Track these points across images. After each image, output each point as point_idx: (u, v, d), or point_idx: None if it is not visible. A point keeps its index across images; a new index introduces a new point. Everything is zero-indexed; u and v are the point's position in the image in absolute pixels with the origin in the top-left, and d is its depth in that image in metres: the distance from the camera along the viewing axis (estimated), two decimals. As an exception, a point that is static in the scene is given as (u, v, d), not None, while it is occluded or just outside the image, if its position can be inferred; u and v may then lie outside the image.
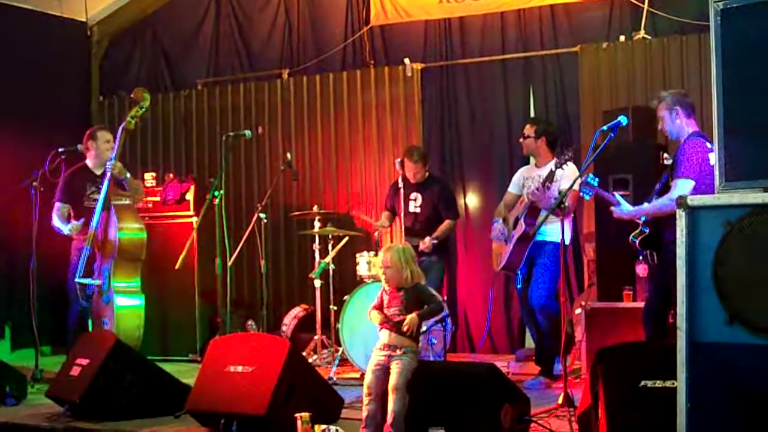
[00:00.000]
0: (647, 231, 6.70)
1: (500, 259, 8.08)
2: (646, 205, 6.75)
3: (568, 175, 7.76)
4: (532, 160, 8.46)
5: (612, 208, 6.81)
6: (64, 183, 8.73)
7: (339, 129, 10.92)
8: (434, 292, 6.60)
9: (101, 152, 8.70)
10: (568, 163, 7.72)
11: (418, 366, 5.97)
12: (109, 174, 8.37)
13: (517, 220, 7.95)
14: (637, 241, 6.76)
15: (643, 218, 6.74)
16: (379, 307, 6.19)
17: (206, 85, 11.81)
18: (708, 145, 6.50)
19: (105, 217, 8.33)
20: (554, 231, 7.59)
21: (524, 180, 8.22)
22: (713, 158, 6.46)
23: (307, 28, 11.34)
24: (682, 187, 6.38)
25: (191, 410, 6.37)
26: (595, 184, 6.80)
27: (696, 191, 6.35)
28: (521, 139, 8.26)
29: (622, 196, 6.89)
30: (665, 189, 6.67)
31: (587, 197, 7.05)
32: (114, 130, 8.58)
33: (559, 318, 7.49)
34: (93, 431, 6.54)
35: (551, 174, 7.60)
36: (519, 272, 8.04)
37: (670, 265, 6.52)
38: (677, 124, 6.68)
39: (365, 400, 5.98)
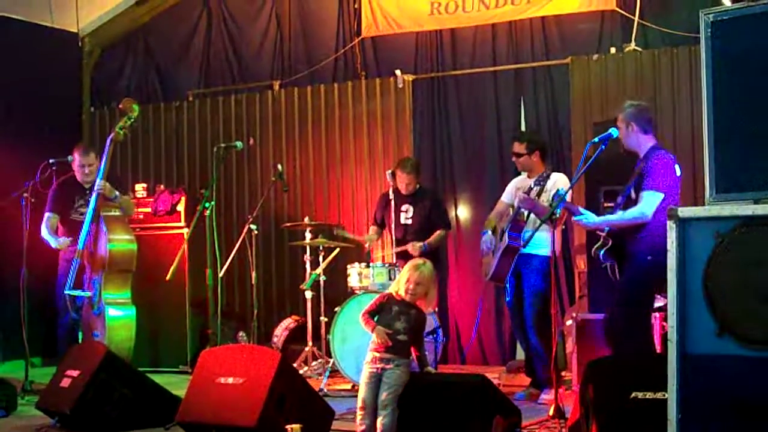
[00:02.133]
0: (610, 242, 6.72)
1: (488, 269, 8.06)
2: (612, 215, 6.77)
3: (559, 186, 7.77)
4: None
5: (574, 218, 6.82)
6: (54, 193, 8.74)
7: (330, 140, 10.93)
8: (424, 327, 6.54)
9: (80, 175, 8.72)
10: (552, 174, 7.75)
11: (409, 378, 5.97)
12: (97, 192, 8.34)
13: (503, 232, 7.93)
14: (601, 253, 6.78)
15: (606, 229, 6.75)
16: (373, 314, 6.18)
17: (197, 96, 11.81)
18: (671, 156, 6.60)
19: (95, 229, 8.31)
20: (541, 243, 7.55)
21: (516, 191, 8.16)
22: (678, 170, 6.56)
23: (298, 40, 11.35)
24: (651, 199, 6.45)
25: (181, 422, 6.35)
26: (565, 196, 6.82)
27: (663, 203, 6.44)
28: (513, 158, 8.11)
29: (612, 207, 6.90)
30: (629, 201, 6.71)
31: (558, 211, 7.06)
32: (105, 142, 8.55)
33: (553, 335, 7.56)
34: (83, 443, 6.55)
35: (538, 189, 7.64)
36: (507, 285, 8.01)
37: (633, 277, 6.61)
38: (632, 138, 6.72)
39: (360, 413, 5.95)
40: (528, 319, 7.83)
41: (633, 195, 6.67)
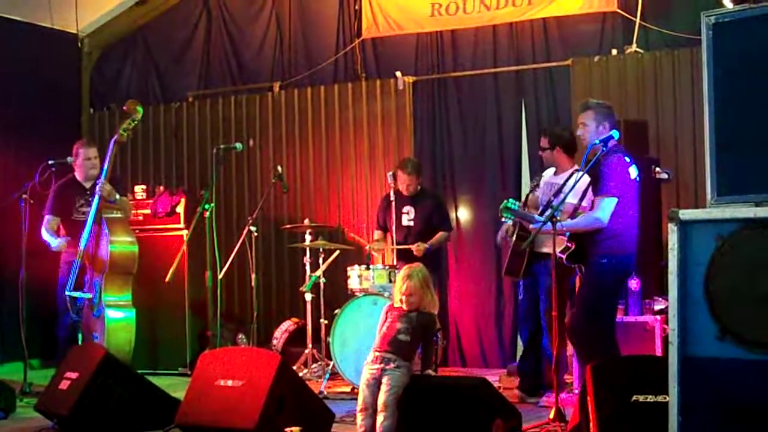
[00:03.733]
0: (572, 246, 6.73)
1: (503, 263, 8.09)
2: (568, 221, 6.78)
3: (575, 188, 7.77)
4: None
5: (529, 226, 6.81)
6: (53, 195, 8.72)
7: (330, 142, 10.91)
8: (436, 324, 6.57)
9: (85, 169, 8.71)
10: (577, 172, 7.75)
11: (409, 381, 5.96)
12: (98, 194, 8.33)
13: (514, 232, 7.90)
14: (564, 257, 6.78)
15: (567, 234, 6.76)
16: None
17: (197, 97, 11.80)
18: (626, 159, 6.64)
19: (96, 231, 8.30)
20: (551, 243, 7.46)
21: (543, 186, 8.10)
22: (633, 172, 6.57)
23: (298, 41, 11.33)
24: (606, 205, 6.51)
25: (181, 424, 6.33)
26: (516, 207, 6.80)
27: (617, 206, 6.51)
28: (540, 152, 8.11)
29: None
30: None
31: (509, 221, 7.03)
32: (105, 142, 8.54)
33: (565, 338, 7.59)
34: (82, 445, 6.52)
35: (558, 189, 7.66)
36: (521, 284, 8.01)
37: (591, 281, 6.63)
38: (600, 137, 6.71)
39: (360, 415, 5.96)
40: (543, 320, 7.82)
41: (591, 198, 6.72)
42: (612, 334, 6.80)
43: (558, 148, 7.99)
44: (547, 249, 7.64)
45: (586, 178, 7.77)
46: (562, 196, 7.41)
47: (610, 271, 6.62)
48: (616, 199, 6.51)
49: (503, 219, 7.06)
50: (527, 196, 8.05)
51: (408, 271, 6.33)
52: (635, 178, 6.67)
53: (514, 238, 7.81)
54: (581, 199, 6.94)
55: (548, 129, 8.61)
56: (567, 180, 7.62)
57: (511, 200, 7.00)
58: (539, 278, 7.87)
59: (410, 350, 6.09)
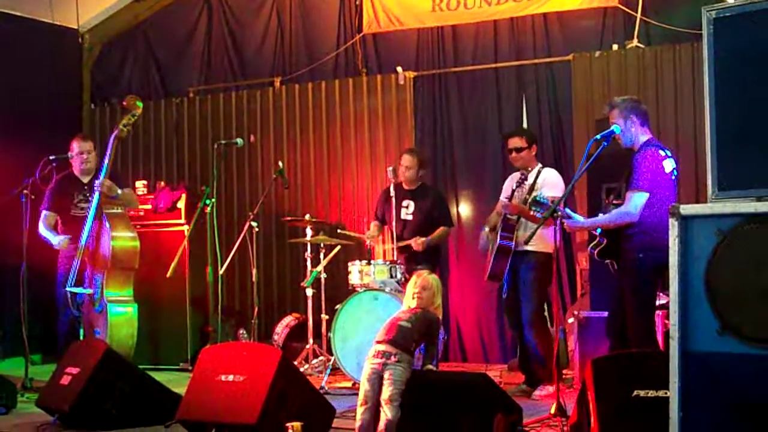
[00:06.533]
0: (605, 242, 6.71)
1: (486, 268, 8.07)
2: (600, 216, 6.77)
3: (549, 183, 7.77)
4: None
5: (564, 221, 6.79)
6: (51, 191, 8.70)
7: (331, 137, 10.92)
8: (440, 325, 6.61)
9: (79, 163, 8.69)
10: (544, 170, 7.77)
11: (411, 375, 5.96)
12: (98, 190, 8.31)
13: (497, 231, 7.91)
14: (595, 252, 6.77)
15: (599, 230, 6.75)
16: None
17: (198, 92, 11.80)
18: (662, 152, 6.59)
19: (97, 227, 8.29)
20: (535, 240, 7.41)
21: (513, 189, 8.13)
22: (668, 165, 6.53)
23: (299, 36, 11.34)
24: (636, 200, 6.44)
25: (182, 419, 6.32)
26: (546, 201, 6.77)
27: (652, 200, 6.46)
28: (513, 154, 8.07)
29: (615, 204, 6.88)
30: (622, 200, 6.71)
31: (539, 215, 7.00)
32: (105, 138, 8.53)
33: (549, 333, 7.61)
34: (83, 440, 6.52)
35: (528, 187, 7.68)
36: (504, 282, 8.01)
37: (626, 273, 6.61)
38: (632, 132, 6.67)
39: (360, 409, 5.96)
40: (524, 316, 7.83)
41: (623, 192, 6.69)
42: (652, 325, 6.81)
43: (534, 146, 8.04)
44: (530, 247, 7.59)
45: (552, 171, 7.84)
46: (535, 192, 7.47)
47: (648, 264, 6.55)
48: (646, 194, 6.43)
49: (532, 212, 6.99)
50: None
51: (424, 273, 6.50)
52: (671, 172, 6.61)
53: (498, 238, 7.81)
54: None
55: (519, 129, 8.62)
56: (525, 178, 7.68)
57: (540, 194, 6.97)
58: (520, 273, 7.90)
59: (411, 337, 6.08)
